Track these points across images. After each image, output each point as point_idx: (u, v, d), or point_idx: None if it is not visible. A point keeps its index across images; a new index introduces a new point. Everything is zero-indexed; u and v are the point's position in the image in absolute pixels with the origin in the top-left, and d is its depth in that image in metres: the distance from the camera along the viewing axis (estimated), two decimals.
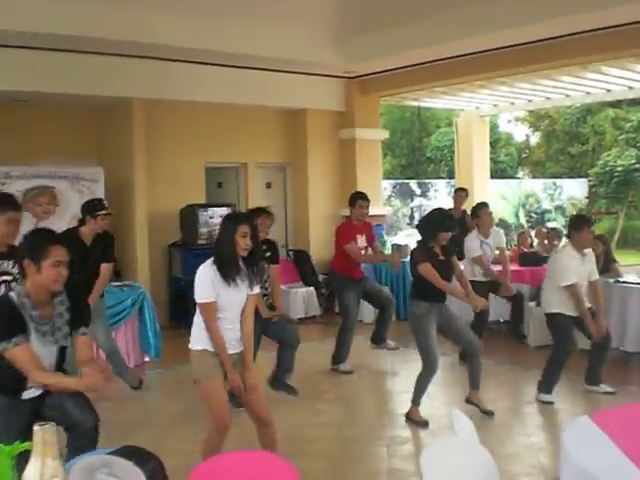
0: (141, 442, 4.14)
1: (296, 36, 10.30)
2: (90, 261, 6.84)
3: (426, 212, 7.08)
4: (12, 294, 3.99)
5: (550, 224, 18.57)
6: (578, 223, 7.03)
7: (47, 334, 3.98)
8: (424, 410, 6.51)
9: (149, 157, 10.50)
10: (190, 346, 4.68)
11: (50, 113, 10.42)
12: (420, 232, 6.47)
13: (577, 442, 3.00)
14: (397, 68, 11.41)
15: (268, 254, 7.01)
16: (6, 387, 4.04)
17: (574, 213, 18.53)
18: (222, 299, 4.54)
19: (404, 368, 8.34)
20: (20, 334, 3.86)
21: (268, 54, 10.25)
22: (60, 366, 4.15)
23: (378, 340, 8.79)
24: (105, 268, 7.00)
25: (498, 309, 9.68)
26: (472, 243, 8.58)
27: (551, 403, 6.79)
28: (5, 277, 4.87)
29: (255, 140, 11.97)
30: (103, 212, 6.90)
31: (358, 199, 8.43)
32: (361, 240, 8.40)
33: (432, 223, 6.32)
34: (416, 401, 6.39)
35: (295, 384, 7.33)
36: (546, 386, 6.88)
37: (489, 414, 6.42)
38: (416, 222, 16.36)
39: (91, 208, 6.94)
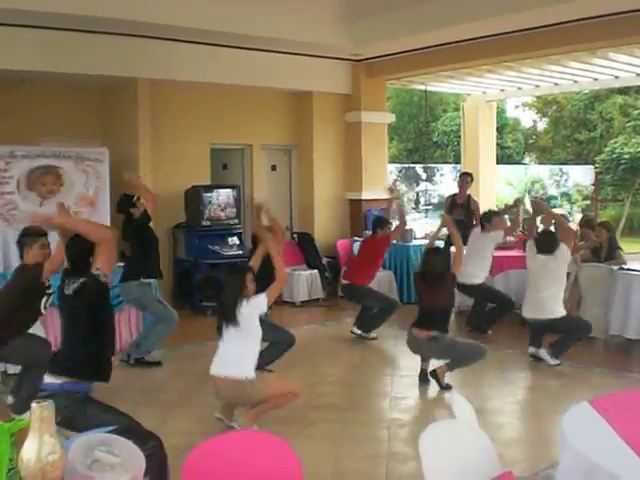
0: (143, 421, 4.17)
1: (303, 18, 10.25)
2: None
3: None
4: None
5: (556, 210, 18.49)
6: None
7: None
8: (426, 393, 6.53)
9: (154, 138, 10.48)
10: (247, 375, 5.34)
11: (55, 93, 10.39)
12: None
13: (576, 428, 3.00)
14: (404, 51, 11.34)
15: None
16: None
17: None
18: None
19: (407, 352, 8.33)
20: None
21: (275, 35, 10.20)
22: None
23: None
24: None
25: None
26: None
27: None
28: (49, 290, 5.91)
29: (261, 122, 11.94)
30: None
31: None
32: None
33: None
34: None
35: (297, 366, 7.34)
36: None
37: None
38: (421, 206, 16.42)
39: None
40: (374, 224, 9.19)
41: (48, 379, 4.22)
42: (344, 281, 9.27)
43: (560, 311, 7.50)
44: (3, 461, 2.18)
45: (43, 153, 9.17)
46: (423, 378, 6.99)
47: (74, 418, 4.08)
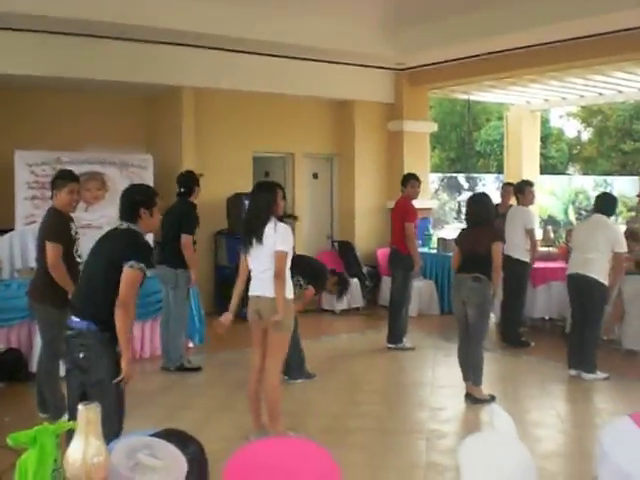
0: (184, 426, 4.20)
1: (346, 27, 10.29)
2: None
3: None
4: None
5: None
6: None
7: None
8: (465, 404, 6.50)
9: (197, 145, 10.61)
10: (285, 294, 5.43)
11: (102, 100, 10.57)
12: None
13: (616, 442, 2.96)
14: (447, 60, 11.32)
15: None
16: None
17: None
18: None
19: (446, 362, 8.31)
20: (150, 267, 4.37)
21: (318, 45, 10.25)
22: None
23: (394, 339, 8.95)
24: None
25: (544, 305, 9.61)
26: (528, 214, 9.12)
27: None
28: (77, 236, 6.03)
29: (303, 130, 12.00)
30: None
31: (411, 179, 9.00)
32: None
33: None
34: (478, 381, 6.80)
35: (336, 375, 7.35)
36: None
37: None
38: (463, 216, 16.29)
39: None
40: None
41: (75, 318, 4.33)
42: None
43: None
44: (48, 462, 2.22)
45: (88, 159, 9.34)
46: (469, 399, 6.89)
47: (89, 359, 4.22)
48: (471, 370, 6.82)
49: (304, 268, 6.91)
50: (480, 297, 6.74)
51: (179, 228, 7.68)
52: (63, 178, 5.98)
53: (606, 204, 7.67)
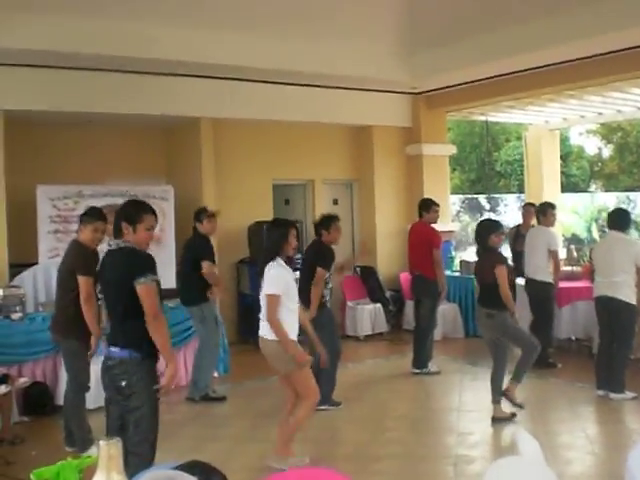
0: (209, 457, 4.19)
1: (361, 52, 10.33)
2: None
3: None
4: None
5: None
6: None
7: None
8: (493, 429, 6.44)
9: (217, 175, 10.67)
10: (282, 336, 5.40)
11: (121, 133, 10.68)
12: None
13: None
14: (463, 83, 11.33)
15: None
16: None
17: None
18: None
19: (473, 387, 8.23)
20: (157, 275, 4.32)
21: (333, 71, 10.30)
22: None
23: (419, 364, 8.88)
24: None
25: (570, 326, 9.50)
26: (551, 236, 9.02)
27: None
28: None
29: (322, 157, 12.03)
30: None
31: (432, 204, 9.01)
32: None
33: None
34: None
35: (362, 401, 7.30)
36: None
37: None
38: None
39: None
40: None
41: (113, 349, 4.39)
42: None
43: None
44: None
45: (110, 192, 9.41)
46: (496, 421, 6.84)
47: (132, 386, 4.29)
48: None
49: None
50: (498, 330, 6.82)
51: (194, 260, 7.75)
52: (91, 215, 6.18)
53: (620, 220, 7.60)
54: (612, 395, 7.29)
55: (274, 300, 5.39)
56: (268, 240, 5.76)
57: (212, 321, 7.87)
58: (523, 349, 6.92)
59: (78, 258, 5.99)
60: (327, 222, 7.49)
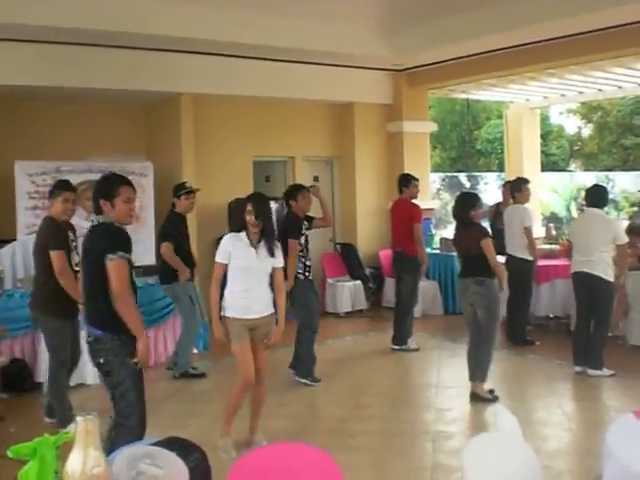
0: (190, 433, 4.20)
1: (344, 29, 10.28)
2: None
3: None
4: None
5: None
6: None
7: None
8: (471, 405, 6.49)
9: (197, 151, 10.60)
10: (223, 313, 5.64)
11: (100, 109, 10.58)
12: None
13: (621, 440, 2.95)
14: (445, 60, 11.31)
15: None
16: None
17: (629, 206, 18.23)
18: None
19: (451, 363, 8.29)
20: (129, 252, 4.29)
21: (316, 47, 10.25)
22: None
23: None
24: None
25: (548, 304, 9.59)
26: (526, 213, 9.00)
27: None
28: (75, 244, 6.11)
29: (303, 134, 11.99)
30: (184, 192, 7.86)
31: (412, 179, 9.01)
32: None
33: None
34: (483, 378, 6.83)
35: (340, 377, 7.32)
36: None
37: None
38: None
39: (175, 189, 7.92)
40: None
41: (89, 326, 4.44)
42: None
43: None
44: (49, 473, 2.22)
45: (89, 168, 9.33)
46: (474, 398, 6.87)
47: (110, 362, 4.32)
48: (478, 367, 6.80)
49: None
50: (487, 299, 6.76)
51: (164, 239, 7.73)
52: (58, 187, 6.19)
53: (597, 196, 7.63)
54: (590, 371, 7.37)
55: (216, 267, 5.60)
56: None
57: (187, 300, 7.84)
58: (483, 341, 6.84)
59: (49, 233, 6.00)
60: (294, 192, 7.53)
